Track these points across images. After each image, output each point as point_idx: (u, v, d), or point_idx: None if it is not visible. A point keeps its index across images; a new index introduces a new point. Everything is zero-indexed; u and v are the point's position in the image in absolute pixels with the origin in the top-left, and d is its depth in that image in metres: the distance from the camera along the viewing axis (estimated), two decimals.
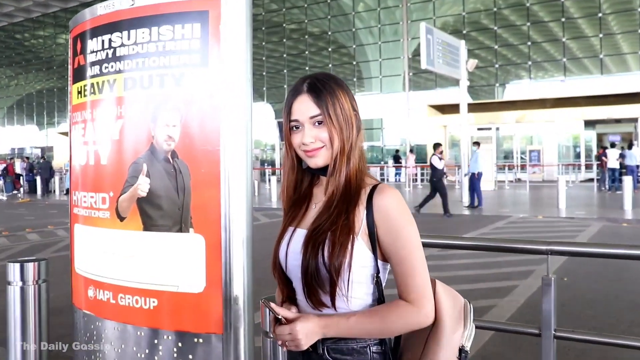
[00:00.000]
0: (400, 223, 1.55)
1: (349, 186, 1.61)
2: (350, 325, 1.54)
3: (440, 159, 15.61)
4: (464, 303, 1.67)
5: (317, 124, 1.62)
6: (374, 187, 1.60)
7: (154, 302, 2.19)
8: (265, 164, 37.29)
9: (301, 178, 1.75)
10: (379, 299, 1.61)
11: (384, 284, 1.63)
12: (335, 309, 1.59)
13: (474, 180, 16.65)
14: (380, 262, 1.59)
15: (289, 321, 1.56)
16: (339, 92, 1.64)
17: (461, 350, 1.60)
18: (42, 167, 28.61)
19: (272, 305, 1.57)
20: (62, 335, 4.95)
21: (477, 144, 17.87)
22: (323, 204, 1.66)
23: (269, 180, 24.21)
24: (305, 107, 1.62)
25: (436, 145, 16.08)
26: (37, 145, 51.35)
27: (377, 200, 1.57)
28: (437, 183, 15.40)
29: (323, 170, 1.66)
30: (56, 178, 28.03)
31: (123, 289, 2.26)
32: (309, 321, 1.54)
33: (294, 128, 1.65)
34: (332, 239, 1.55)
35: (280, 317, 1.56)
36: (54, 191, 27.75)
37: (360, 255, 1.56)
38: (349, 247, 1.54)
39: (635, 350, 2.58)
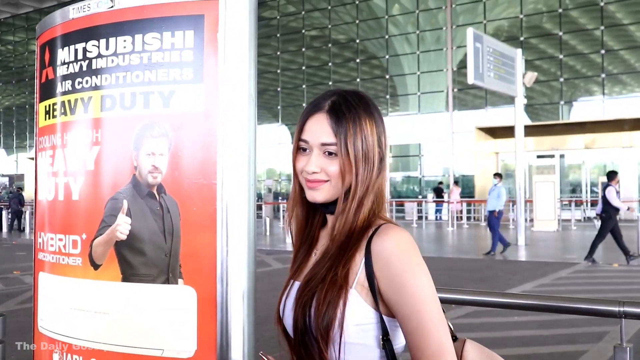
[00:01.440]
0: (403, 271, 1.51)
1: (352, 233, 1.60)
2: None
3: (617, 191, 14.99)
4: None
5: (327, 153, 1.61)
6: (377, 229, 1.58)
7: None
8: (280, 198, 37.38)
9: (312, 214, 1.75)
10: None
11: (398, 345, 1.59)
12: None
13: (493, 221, 16.43)
14: (388, 320, 1.56)
15: None
16: (367, 120, 1.63)
17: None
18: (12, 199, 28.99)
19: (268, 356, 1.59)
20: None
21: (498, 175, 17.66)
22: (321, 252, 1.65)
23: (283, 217, 24.22)
24: (319, 129, 1.62)
25: (612, 174, 15.36)
26: (4, 172, 52.03)
27: (375, 245, 1.55)
28: (607, 221, 14.91)
29: (327, 206, 1.66)
30: (27, 213, 28.35)
31: (96, 354, 2.24)
32: None
33: (302, 150, 1.65)
34: (319, 295, 1.54)
35: None
36: (24, 229, 28.03)
37: (357, 311, 1.54)
38: (340, 303, 1.52)
39: None
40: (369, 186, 1.62)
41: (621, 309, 2.31)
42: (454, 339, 1.64)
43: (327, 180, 1.62)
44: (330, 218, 1.69)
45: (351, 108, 1.62)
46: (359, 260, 1.56)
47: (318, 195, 1.63)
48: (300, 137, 1.66)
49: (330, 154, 1.61)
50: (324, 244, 1.67)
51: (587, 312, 2.39)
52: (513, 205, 23.36)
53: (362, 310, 1.55)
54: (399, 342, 1.59)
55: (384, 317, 1.56)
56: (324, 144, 1.61)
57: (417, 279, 1.52)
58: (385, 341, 1.56)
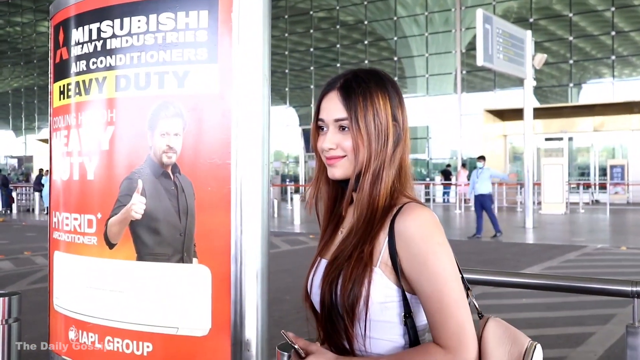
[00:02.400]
0: (425, 251, 1.52)
1: (376, 209, 1.61)
2: None
3: None
4: (526, 349, 1.58)
5: (341, 129, 1.63)
6: (401, 208, 1.59)
7: (148, 347, 2.19)
8: (287, 180, 37.37)
9: (339, 192, 1.76)
10: (414, 342, 1.58)
11: (421, 323, 1.61)
12: (353, 352, 1.59)
13: (481, 203, 16.08)
14: (410, 297, 1.57)
15: (307, 355, 1.57)
16: (379, 94, 1.64)
17: None
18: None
19: (290, 334, 1.58)
20: None
21: (482, 158, 17.39)
22: (347, 230, 1.66)
23: (291, 199, 24.27)
24: (332, 106, 1.64)
25: None
26: (13, 154, 52.10)
27: (398, 223, 1.55)
28: None
29: (347, 183, 1.67)
30: (36, 193, 28.46)
31: (111, 331, 2.26)
32: None
33: (320, 129, 1.67)
34: (346, 272, 1.56)
35: (297, 347, 1.57)
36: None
37: (381, 289, 1.55)
38: (365, 280, 1.54)
39: None
40: (384, 160, 1.62)
41: (634, 288, 2.31)
42: (480, 316, 1.65)
43: (344, 156, 1.63)
44: (355, 196, 1.69)
45: (361, 83, 1.64)
46: (383, 239, 1.57)
47: (336, 171, 1.65)
48: (317, 117, 1.68)
49: (343, 129, 1.63)
50: (351, 221, 1.68)
51: (600, 292, 2.39)
52: (521, 188, 23.30)
53: (385, 289, 1.56)
54: (421, 320, 1.60)
55: (407, 295, 1.57)
56: (337, 120, 1.63)
57: (439, 258, 1.52)
58: (407, 319, 1.57)
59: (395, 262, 1.54)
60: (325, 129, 1.66)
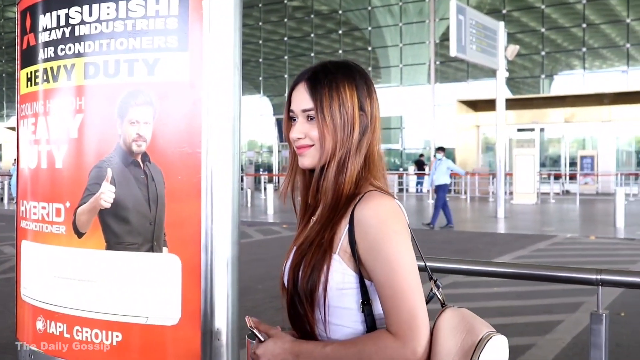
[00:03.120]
0: (381, 239, 1.54)
1: (340, 197, 1.62)
2: (326, 354, 1.55)
3: None
4: (480, 339, 1.57)
5: (309, 119, 1.65)
6: (362, 197, 1.60)
7: (117, 336, 2.18)
8: (261, 170, 37.37)
9: (303, 189, 1.77)
10: (372, 329, 1.59)
11: (378, 311, 1.61)
12: (315, 337, 1.62)
13: (441, 194, 16.16)
14: (370, 284, 1.59)
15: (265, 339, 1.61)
16: (345, 85, 1.65)
17: None
18: None
19: (251, 319, 1.63)
20: None
21: (441, 149, 17.45)
22: (317, 217, 1.68)
23: (265, 188, 24.24)
24: (300, 97, 1.66)
25: None
26: None
27: (358, 211, 1.57)
28: None
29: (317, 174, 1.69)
30: (5, 182, 28.14)
31: (80, 321, 2.25)
32: (277, 344, 1.59)
33: (292, 120, 1.70)
34: (306, 258, 1.59)
35: (254, 330, 1.62)
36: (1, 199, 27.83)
37: (339, 276, 1.57)
38: (324, 267, 1.56)
39: None
40: (350, 149, 1.64)
41: (598, 276, 2.35)
42: (443, 306, 1.66)
43: (312, 145, 1.65)
44: (323, 184, 1.70)
45: (328, 74, 1.65)
46: (344, 227, 1.59)
47: (305, 160, 1.67)
48: (288, 108, 1.70)
49: (311, 119, 1.65)
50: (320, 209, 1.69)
51: (566, 280, 2.43)
52: (493, 179, 23.51)
53: (344, 275, 1.58)
54: (380, 308, 1.61)
55: (365, 282, 1.59)
56: (304, 110, 1.65)
57: (393, 246, 1.54)
58: (365, 305, 1.59)
59: (354, 249, 1.56)
60: (295, 119, 1.67)
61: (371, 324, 1.59)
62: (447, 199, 16.51)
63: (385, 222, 1.56)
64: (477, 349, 1.55)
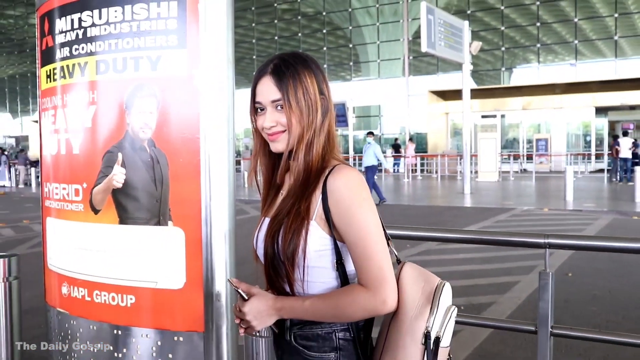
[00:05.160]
0: (351, 205, 1.56)
1: (310, 172, 1.64)
2: (306, 308, 1.58)
3: None
4: (436, 286, 1.62)
5: (279, 107, 1.65)
6: (332, 169, 1.62)
7: (131, 299, 2.19)
8: None
9: (276, 163, 1.77)
10: (345, 284, 1.62)
11: (350, 268, 1.64)
12: (293, 294, 1.63)
13: (369, 175, 15.92)
14: (342, 245, 1.61)
15: (249, 297, 1.61)
16: (305, 74, 1.66)
17: (426, 335, 1.55)
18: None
19: (234, 280, 1.63)
20: (36, 335, 4.97)
21: (371, 133, 17.17)
22: (288, 188, 1.70)
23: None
24: (267, 90, 1.66)
25: None
26: (11, 134, 51.10)
27: (330, 182, 1.59)
28: None
29: (290, 154, 1.70)
30: (23, 168, 28.06)
31: (98, 286, 2.26)
32: (261, 301, 1.60)
33: (259, 110, 1.70)
34: (286, 224, 1.59)
35: (240, 291, 1.61)
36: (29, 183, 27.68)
37: (316, 240, 1.59)
38: (303, 233, 1.58)
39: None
40: (315, 130, 1.66)
41: (546, 240, 2.38)
42: (398, 262, 1.69)
43: (283, 131, 1.66)
44: (293, 163, 1.72)
45: (289, 66, 1.66)
46: (317, 197, 1.60)
47: (279, 145, 1.68)
48: (254, 100, 1.70)
49: (280, 107, 1.65)
50: (289, 184, 1.70)
51: (519, 244, 2.46)
52: (461, 159, 23.54)
53: (320, 239, 1.60)
54: (351, 265, 1.63)
55: (338, 244, 1.61)
56: (273, 101, 1.65)
57: (363, 211, 1.57)
58: (339, 264, 1.61)
59: (328, 215, 1.58)
60: (263, 110, 1.68)
61: (344, 279, 1.62)
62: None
63: (355, 190, 1.58)
64: (436, 293, 1.59)
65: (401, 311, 1.58)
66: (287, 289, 1.64)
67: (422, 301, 1.58)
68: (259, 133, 1.73)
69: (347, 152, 29.70)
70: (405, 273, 1.62)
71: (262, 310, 1.60)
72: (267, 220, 1.72)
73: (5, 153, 31.97)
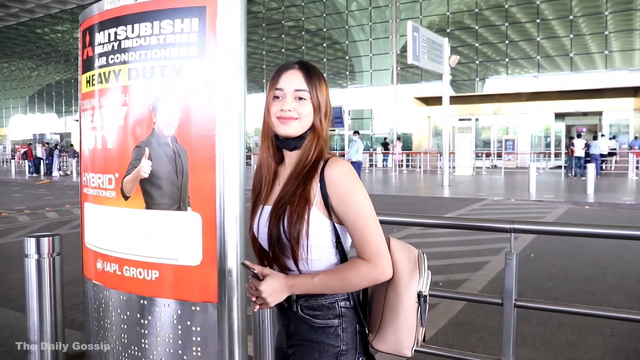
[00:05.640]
0: (349, 192, 1.57)
1: (309, 162, 1.64)
2: (315, 283, 1.58)
3: None
4: (417, 254, 1.66)
5: (298, 99, 1.64)
6: (327, 161, 1.62)
7: (155, 273, 2.18)
8: None
9: (275, 153, 1.76)
10: (343, 259, 1.63)
11: (347, 245, 1.65)
12: (299, 271, 1.62)
13: (356, 169, 15.69)
14: (339, 227, 1.61)
15: (263, 277, 1.59)
16: (323, 80, 1.68)
17: (419, 295, 1.60)
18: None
19: (247, 262, 1.61)
20: (75, 303, 4.97)
21: (357, 132, 16.88)
22: (286, 178, 1.68)
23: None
24: (293, 79, 1.65)
25: None
26: (56, 131, 51.14)
27: (327, 173, 1.59)
28: None
29: (290, 142, 1.68)
30: (73, 161, 27.99)
31: (128, 262, 2.25)
32: (275, 280, 1.58)
33: (275, 98, 1.67)
34: (291, 209, 1.58)
35: (256, 272, 1.59)
36: (70, 172, 27.68)
37: (317, 223, 1.59)
38: (306, 216, 1.57)
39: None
40: (323, 127, 1.67)
41: (511, 226, 2.38)
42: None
43: (296, 118, 1.65)
44: (288, 155, 1.70)
45: (315, 69, 1.69)
46: (316, 185, 1.60)
47: (290, 129, 1.65)
48: (276, 87, 1.67)
49: (300, 99, 1.64)
50: (285, 176, 1.68)
51: (489, 229, 2.45)
52: (440, 156, 23.51)
53: (321, 222, 1.59)
54: (347, 243, 1.65)
55: (336, 226, 1.61)
56: (297, 90, 1.64)
57: (359, 197, 1.57)
58: (338, 243, 1.62)
59: (327, 201, 1.58)
60: (280, 97, 1.66)
61: (343, 256, 1.63)
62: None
63: (350, 179, 1.58)
64: (419, 259, 1.64)
65: (396, 277, 1.61)
66: (292, 266, 1.62)
67: (410, 268, 1.61)
68: (266, 120, 1.71)
69: (343, 149, 29.67)
70: (394, 246, 1.65)
71: (277, 288, 1.58)
72: (267, 207, 1.69)
73: (58, 147, 31.99)
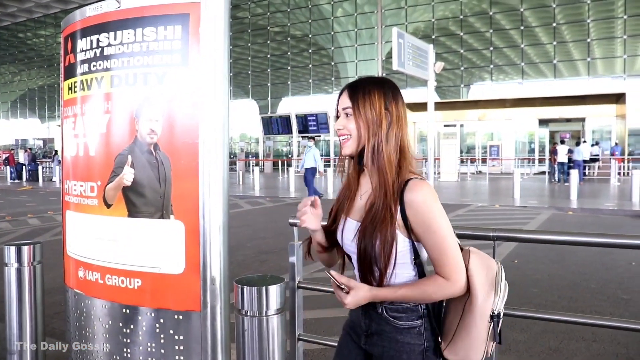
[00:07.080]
0: (430, 218, 1.63)
1: (385, 180, 1.68)
2: (397, 296, 1.67)
3: None
4: (496, 273, 1.71)
5: (347, 115, 1.71)
6: (406, 183, 1.66)
7: (138, 282, 2.17)
8: (250, 156, 37.18)
9: (355, 172, 1.82)
10: (420, 273, 1.71)
11: (423, 258, 1.72)
12: (382, 283, 1.71)
13: (308, 176, 15.61)
14: (417, 245, 1.69)
15: (349, 290, 1.66)
16: (374, 91, 1.70)
17: (492, 315, 1.67)
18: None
19: (334, 273, 1.67)
20: (56, 312, 4.91)
21: (312, 139, 16.86)
22: (369, 198, 1.73)
23: (253, 170, 24.09)
24: (343, 100, 1.74)
25: None
26: (39, 137, 50.65)
27: (407, 196, 1.64)
28: None
29: (359, 162, 1.76)
30: (57, 168, 27.74)
31: (110, 270, 2.24)
32: (359, 294, 1.67)
33: (336, 118, 1.76)
34: (382, 235, 1.65)
35: (341, 285, 1.66)
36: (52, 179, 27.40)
37: (401, 243, 1.67)
38: (393, 239, 1.65)
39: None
40: (381, 138, 1.69)
41: (494, 234, 2.39)
42: (460, 248, 1.75)
43: (349, 137, 1.72)
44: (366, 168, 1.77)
45: (364, 84, 1.72)
46: (397, 208, 1.66)
47: (346, 149, 1.74)
48: (336, 108, 1.77)
49: (348, 115, 1.71)
50: (367, 189, 1.74)
51: (472, 236, 2.46)
52: (425, 162, 23.59)
53: (402, 241, 1.67)
54: (423, 257, 1.72)
55: (415, 244, 1.69)
56: (344, 108, 1.72)
57: (439, 222, 1.63)
58: (416, 259, 1.70)
59: (407, 223, 1.66)
60: (338, 116, 1.75)
61: (421, 271, 1.72)
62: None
63: (430, 203, 1.63)
64: (497, 279, 1.71)
65: (473, 298, 1.67)
66: (377, 278, 1.70)
67: (487, 287, 1.68)
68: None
69: (328, 155, 29.70)
70: (473, 263, 1.69)
71: (361, 300, 1.67)
72: (349, 220, 1.77)
73: (58, 153, 31.69)
